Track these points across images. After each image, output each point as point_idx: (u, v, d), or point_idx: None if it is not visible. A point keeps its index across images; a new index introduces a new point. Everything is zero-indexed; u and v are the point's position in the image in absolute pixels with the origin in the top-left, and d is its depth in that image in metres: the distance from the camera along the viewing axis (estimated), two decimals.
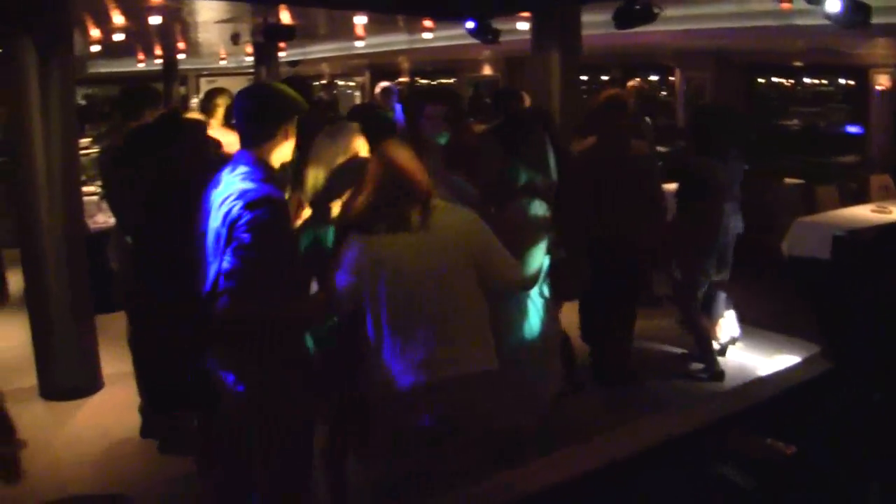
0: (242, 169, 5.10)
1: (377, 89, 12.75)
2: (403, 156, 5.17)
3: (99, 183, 13.85)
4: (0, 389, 5.56)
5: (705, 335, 9.34)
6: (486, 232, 5.22)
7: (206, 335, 5.23)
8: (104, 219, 12.45)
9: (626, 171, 8.56)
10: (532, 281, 5.97)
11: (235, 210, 4.86)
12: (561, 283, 6.76)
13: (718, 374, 9.19)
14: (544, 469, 3.37)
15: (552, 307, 6.64)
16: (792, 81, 19.80)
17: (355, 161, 5.73)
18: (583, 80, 22.55)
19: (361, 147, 5.82)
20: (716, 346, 9.49)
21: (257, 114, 5.18)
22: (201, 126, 6.94)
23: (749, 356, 9.77)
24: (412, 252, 4.94)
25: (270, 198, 4.92)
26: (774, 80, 19.94)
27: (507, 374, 5.25)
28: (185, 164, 6.31)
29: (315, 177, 5.78)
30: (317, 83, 36.93)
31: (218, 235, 4.93)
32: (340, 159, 5.75)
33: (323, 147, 5.82)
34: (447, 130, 7.19)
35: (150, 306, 6.65)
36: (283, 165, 5.37)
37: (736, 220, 9.20)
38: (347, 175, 5.65)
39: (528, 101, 9.79)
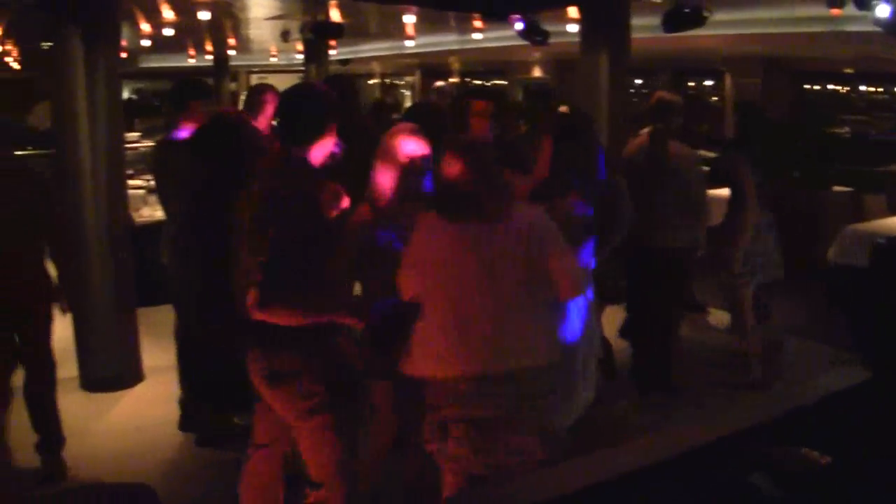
0: (282, 166, 5.13)
1: (434, 87, 12.72)
2: (484, 150, 5.24)
3: (147, 177, 13.95)
4: None
5: (751, 342, 9.26)
6: (556, 233, 5.20)
7: (241, 330, 5.25)
8: (150, 212, 12.51)
9: (664, 173, 8.52)
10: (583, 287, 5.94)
11: (274, 207, 4.89)
12: (604, 285, 6.74)
13: (758, 383, 9.11)
14: (575, 470, 3.34)
15: (595, 310, 6.61)
16: (847, 88, 19.68)
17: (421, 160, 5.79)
18: (637, 84, 22.56)
19: (423, 147, 5.85)
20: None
21: (299, 113, 5.19)
22: (253, 127, 6.98)
23: (785, 365, 9.68)
24: (485, 242, 4.95)
25: (306, 195, 4.94)
26: (830, 87, 19.83)
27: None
28: (235, 162, 6.33)
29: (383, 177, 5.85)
30: (372, 81, 37.11)
31: (253, 232, 4.95)
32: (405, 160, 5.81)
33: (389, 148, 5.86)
34: (495, 129, 7.21)
35: (196, 300, 6.73)
36: (324, 164, 5.39)
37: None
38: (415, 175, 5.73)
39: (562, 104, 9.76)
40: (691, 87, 22.80)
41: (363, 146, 6.79)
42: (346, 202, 5.41)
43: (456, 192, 5.05)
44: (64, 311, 7.48)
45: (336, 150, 6.98)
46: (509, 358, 4.91)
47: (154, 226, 11.75)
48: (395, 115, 12.20)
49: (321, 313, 5.10)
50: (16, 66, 26.62)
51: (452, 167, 5.08)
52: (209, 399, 7.78)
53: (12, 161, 7.50)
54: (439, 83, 12.83)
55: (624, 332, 9.37)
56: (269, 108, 8.48)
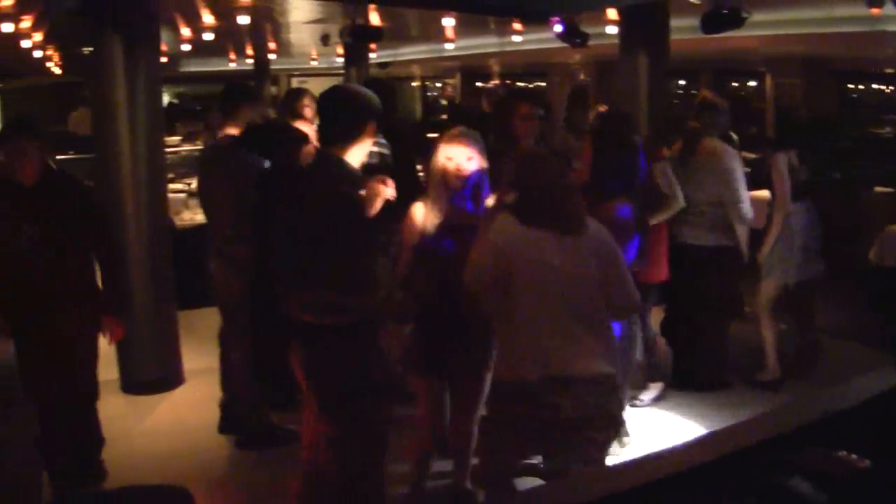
0: (322, 167, 5.17)
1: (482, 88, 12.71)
2: (558, 164, 5.47)
3: (188, 180, 14.01)
4: None
5: (766, 341, 9.24)
6: (617, 250, 5.36)
7: (284, 331, 5.30)
8: (190, 216, 12.57)
9: (694, 171, 8.53)
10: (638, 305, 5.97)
11: (314, 204, 4.93)
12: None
13: (770, 384, 9.10)
14: (614, 474, 3.34)
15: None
16: (892, 88, 19.53)
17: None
18: (682, 85, 22.46)
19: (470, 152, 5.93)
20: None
21: (337, 114, 5.23)
22: (300, 131, 7.01)
23: (823, 367, 9.62)
24: (563, 250, 5.11)
25: (348, 193, 4.98)
26: (875, 87, 19.68)
27: None
28: (280, 167, 6.39)
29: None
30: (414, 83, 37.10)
31: (294, 230, 5.00)
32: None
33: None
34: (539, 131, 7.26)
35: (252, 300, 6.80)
36: (364, 165, 5.44)
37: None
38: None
39: (600, 107, 9.75)
40: (733, 87, 22.70)
41: (403, 148, 6.84)
42: (388, 194, 5.44)
43: (546, 202, 5.18)
44: (112, 333, 7.43)
45: (385, 151, 7.10)
46: (594, 361, 4.99)
47: (194, 229, 11.83)
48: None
49: (362, 311, 5.14)
50: (57, 70, 26.72)
51: (539, 176, 5.24)
52: (258, 396, 7.83)
53: (57, 172, 7.31)
54: (486, 84, 12.85)
55: (663, 330, 9.36)
56: (308, 112, 8.50)
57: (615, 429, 5.31)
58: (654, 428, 8.31)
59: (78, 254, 7.10)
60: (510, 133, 7.32)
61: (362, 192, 5.34)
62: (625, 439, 7.54)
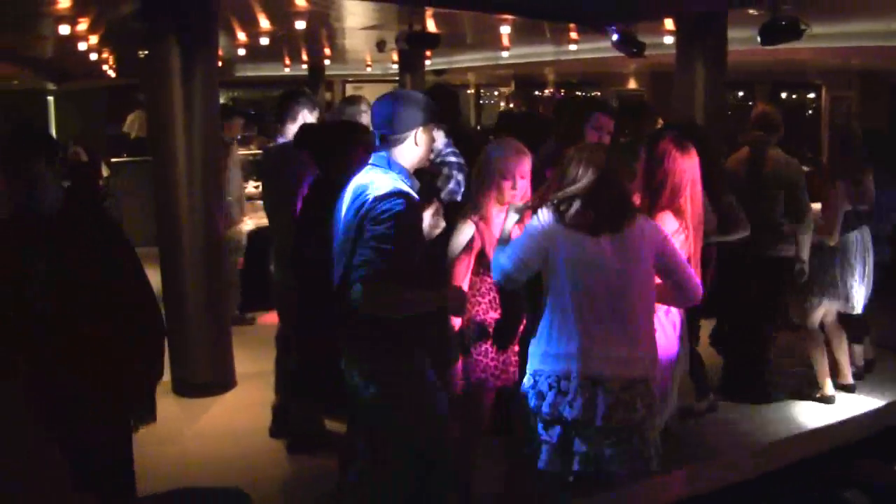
0: (376, 168, 5.20)
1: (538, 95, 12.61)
2: (611, 160, 5.30)
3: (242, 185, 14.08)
4: None
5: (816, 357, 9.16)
6: (671, 243, 5.38)
7: (339, 332, 5.33)
8: (244, 220, 12.61)
9: (762, 182, 8.48)
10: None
11: (366, 204, 5.00)
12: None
13: (827, 398, 9.03)
14: (664, 485, 3.32)
15: (683, 322, 6.57)
16: None
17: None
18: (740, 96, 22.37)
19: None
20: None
21: (391, 118, 5.25)
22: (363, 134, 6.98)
23: (882, 381, 9.55)
24: (609, 251, 5.10)
25: (401, 193, 5.00)
26: None
27: None
28: (337, 167, 6.39)
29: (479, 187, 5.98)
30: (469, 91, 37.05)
31: (348, 231, 5.03)
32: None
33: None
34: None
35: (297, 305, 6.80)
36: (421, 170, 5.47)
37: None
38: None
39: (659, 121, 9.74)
40: (787, 98, 22.60)
41: (469, 154, 6.86)
42: (439, 227, 5.50)
43: (591, 205, 5.15)
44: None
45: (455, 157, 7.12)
46: (635, 365, 5.08)
47: (248, 234, 11.87)
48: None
49: (420, 304, 5.16)
50: (111, 73, 26.90)
51: (587, 179, 5.17)
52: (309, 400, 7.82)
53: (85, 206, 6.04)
54: (541, 93, 12.83)
55: (714, 341, 9.32)
56: (364, 119, 8.51)
57: (643, 435, 5.25)
58: (704, 440, 8.27)
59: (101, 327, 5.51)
60: (579, 140, 7.21)
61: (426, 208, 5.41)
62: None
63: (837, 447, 3.12)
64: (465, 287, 6.07)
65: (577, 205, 5.15)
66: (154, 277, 10.42)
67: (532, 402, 5.24)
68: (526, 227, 5.35)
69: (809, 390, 9.21)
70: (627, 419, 5.06)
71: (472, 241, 6.10)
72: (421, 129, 5.28)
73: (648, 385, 5.18)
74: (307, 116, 8.04)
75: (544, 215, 5.26)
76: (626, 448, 5.10)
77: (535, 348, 5.29)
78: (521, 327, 6.16)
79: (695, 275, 5.49)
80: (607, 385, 5.01)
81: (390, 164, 5.23)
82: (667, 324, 6.19)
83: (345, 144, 6.51)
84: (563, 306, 5.13)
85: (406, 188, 5.16)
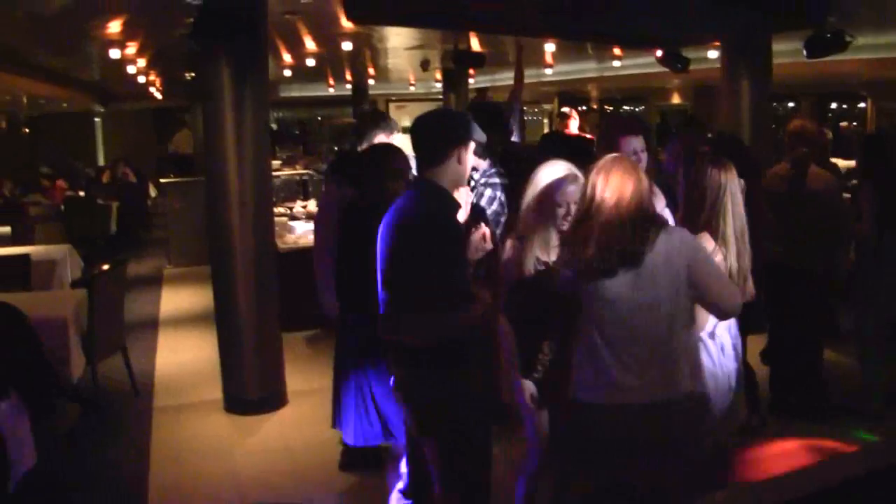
0: (414, 191, 5.21)
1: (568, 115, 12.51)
2: (632, 183, 4.96)
3: (290, 204, 14.17)
4: None
5: (868, 373, 9.09)
6: (704, 253, 5.17)
7: (381, 346, 5.35)
8: (294, 238, 12.70)
9: (802, 198, 8.46)
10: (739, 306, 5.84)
11: (402, 227, 4.99)
12: (748, 313, 6.64)
13: (874, 415, 8.95)
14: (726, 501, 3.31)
15: (736, 338, 6.52)
16: None
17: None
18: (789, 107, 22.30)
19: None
20: None
21: (428, 138, 5.24)
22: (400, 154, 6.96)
23: None
24: (630, 282, 4.86)
25: (433, 217, 5.00)
26: None
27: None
28: (376, 189, 6.39)
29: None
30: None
31: (386, 253, 5.04)
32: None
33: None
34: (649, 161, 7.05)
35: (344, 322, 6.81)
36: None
37: None
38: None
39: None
40: (833, 109, 22.57)
41: (519, 171, 6.79)
42: (485, 248, 5.44)
43: (605, 248, 4.88)
44: None
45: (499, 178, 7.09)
46: (663, 388, 4.90)
47: (297, 252, 11.94)
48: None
49: (458, 326, 5.13)
50: (158, 95, 27.17)
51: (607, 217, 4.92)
52: None
53: None
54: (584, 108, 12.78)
55: (765, 357, 9.28)
56: (394, 137, 8.53)
57: (687, 457, 5.14)
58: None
59: None
60: None
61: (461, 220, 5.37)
62: None
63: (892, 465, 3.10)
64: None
65: (590, 249, 4.88)
66: (206, 295, 10.56)
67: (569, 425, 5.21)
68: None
69: (862, 405, 9.13)
70: (653, 442, 4.97)
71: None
72: (462, 147, 5.25)
73: (677, 406, 5.03)
74: (383, 140, 8.02)
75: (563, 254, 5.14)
76: (654, 471, 5.04)
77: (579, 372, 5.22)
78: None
79: (733, 287, 5.38)
80: (627, 411, 4.92)
81: (429, 186, 5.21)
82: (711, 345, 6.13)
83: (380, 169, 6.51)
84: (585, 337, 5.04)
85: (439, 212, 5.13)
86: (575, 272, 4.97)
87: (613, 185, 4.91)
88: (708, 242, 5.75)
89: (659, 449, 4.91)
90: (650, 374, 4.85)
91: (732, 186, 6.02)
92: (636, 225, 4.87)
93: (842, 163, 14.40)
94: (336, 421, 6.99)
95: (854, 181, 12.64)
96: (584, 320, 5.01)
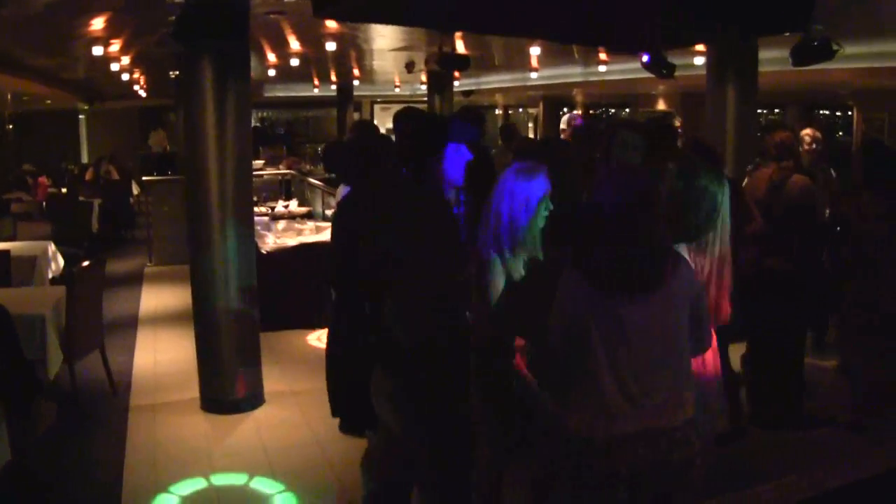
0: (393, 182, 5.23)
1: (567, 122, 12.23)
2: (643, 196, 4.67)
3: (272, 204, 14.17)
4: None
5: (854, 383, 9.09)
6: (702, 289, 5.11)
7: (362, 356, 5.32)
8: (274, 239, 12.67)
9: (779, 206, 8.45)
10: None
11: (376, 219, 5.01)
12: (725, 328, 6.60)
13: (851, 425, 8.93)
14: None
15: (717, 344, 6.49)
16: None
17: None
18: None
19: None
20: None
21: (408, 135, 5.25)
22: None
23: None
24: (638, 308, 4.63)
25: (408, 206, 5.00)
26: None
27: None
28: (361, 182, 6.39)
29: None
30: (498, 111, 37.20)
31: (387, 245, 5.03)
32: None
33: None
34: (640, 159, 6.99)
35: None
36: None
37: None
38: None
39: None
40: (823, 115, 22.62)
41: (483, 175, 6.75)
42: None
43: (613, 261, 4.66)
44: None
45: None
46: (673, 413, 4.82)
47: (278, 252, 11.93)
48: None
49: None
50: (143, 94, 27.17)
51: (610, 225, 4.67)
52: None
53: None
54: (573, 114, 12.74)
55: (745, 362, 9.26)
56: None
57: (681, 479, 5.06)
58: (735, 468, 8.18)
59: None
60: (608, 160, 7.00)
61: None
62: None
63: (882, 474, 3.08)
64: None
65: (599, 268, 4.65)
66: (186, 294, 10.53)
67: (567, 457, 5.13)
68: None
69: (844, 416, 9.10)
70: (652, 470, 4.89)
71: None
72: (430, 145, 5.25)
73: (675, 433, 4.93)
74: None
75: (567, 276, 4.76)
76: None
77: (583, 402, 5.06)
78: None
79: (710, 330, 5.28)
80: (630, 441, 4.82)
81: (408, 181, 5.20)
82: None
83: (378, 161, 6.50)
84: (590, 365, 4.91)
85: (417, 204, 5.11)
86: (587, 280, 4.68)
87: (628, 204, 4.61)
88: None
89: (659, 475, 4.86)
90: (645, 404, 4.75)
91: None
92: (659, 247, 4.73)
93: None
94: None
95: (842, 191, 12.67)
96: (589, 350, 4.86)
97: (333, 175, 7.36)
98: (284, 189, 18.89)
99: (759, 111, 18.98)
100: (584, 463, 4.89)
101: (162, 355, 11.24)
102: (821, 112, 22.66)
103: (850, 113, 20.75)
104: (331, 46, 16.75)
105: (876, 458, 3.74)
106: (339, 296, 5.44)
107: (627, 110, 29.06)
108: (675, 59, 13.95)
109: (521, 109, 38.28)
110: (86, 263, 9.65)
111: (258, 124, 38.30)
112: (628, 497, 4.83)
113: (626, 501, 4.84)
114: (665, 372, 4.73)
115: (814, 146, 10.20)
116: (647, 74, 14.63)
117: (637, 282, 4.63)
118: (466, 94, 28.51)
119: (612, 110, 30.77)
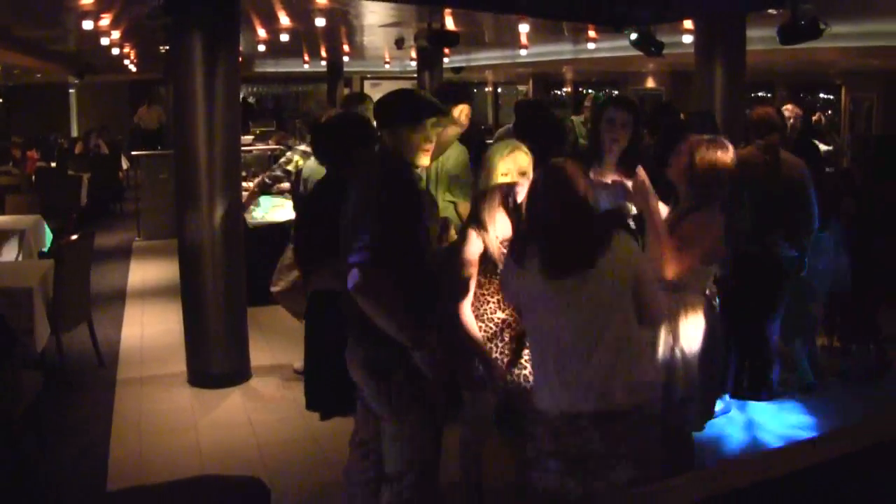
0: (377, 162, 5.23)
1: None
2: (577, 186, 4.75)
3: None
4: None
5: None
6: (646, 265, 5.13)
7: (345, 322, 5.33)
8: (262, 214, 12.68)
9: (777, 185, 8.46)
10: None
11: (363, 196, 5.03)
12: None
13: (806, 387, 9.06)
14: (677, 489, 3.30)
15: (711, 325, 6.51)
16: None
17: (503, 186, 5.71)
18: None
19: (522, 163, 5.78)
20: None
21: (388, 115, 5.25)
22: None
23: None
24: (576, 288, 4.69)
25: (392, 184, 5.01)
26: None
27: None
28: (340, 159, 6.41)
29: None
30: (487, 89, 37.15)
31: (353, 222, 5.02)
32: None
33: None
34: (627, 136, 6.97)
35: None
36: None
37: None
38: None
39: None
40: (805, 98, 22.64)
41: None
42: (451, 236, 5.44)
43: (543, 241, 4.75)
44: None
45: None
46: (610, 396, 4.81)
47: (265, 227, 11.95)
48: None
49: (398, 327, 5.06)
50: (133, 68, 27.10)
51: (540, 208, 4.84)
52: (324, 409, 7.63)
53: None
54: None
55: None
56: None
57: (640, 466, 5.01)
58: (719, 441, 8.21)
59: None
60: (597, 136, 7.05)
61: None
62: None
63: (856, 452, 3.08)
64: (473, 289, 5.88)
65: (538, 246, 4.74)
66: (174, 268, 10.55)
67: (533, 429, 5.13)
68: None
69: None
70: (602, 452, 4.86)
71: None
72: (412, 120, 5.22)
73: (630, 416, 4.90)
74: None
75: (507, 260, 5.02)
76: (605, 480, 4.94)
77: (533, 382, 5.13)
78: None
79: (660, 299, 5.28)
80: (579, 420, 4.80)
81: (391, 159, 5.21)
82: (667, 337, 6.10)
83: (356, 142, 6.51)
84: (532, 346, 5.00)
85: (397, 182, 5.12)
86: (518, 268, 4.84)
87: (563, 189, 4.76)
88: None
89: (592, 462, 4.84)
90: (591, 383, 4.73)
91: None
92: (587, 225, 4.77)
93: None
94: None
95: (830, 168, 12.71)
96: (528, 332, 5.03)
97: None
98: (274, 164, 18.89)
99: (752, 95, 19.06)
100: (539, 438, 4.93)
101: (149, 329, 11.29)
102: (807, 94, 22.72)
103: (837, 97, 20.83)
104: (320, 22, 16.72)
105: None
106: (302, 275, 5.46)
107: (616, 92, 29.03)
108: (665, 38, 13.95)
109: (512, 87, 38.33)
110: (74, 237, 9.67)
111: (250, 100, 38.29)
112: (581, 480, 4.84)
113: (579, 485, 4.85)
114: (605, 353, 4.70)
115: (792, 121, 10.21)
116: (636, 52, 14.63)
117: (561, 262, 4.70)
118: (456, 70, 28.46)
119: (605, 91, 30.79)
